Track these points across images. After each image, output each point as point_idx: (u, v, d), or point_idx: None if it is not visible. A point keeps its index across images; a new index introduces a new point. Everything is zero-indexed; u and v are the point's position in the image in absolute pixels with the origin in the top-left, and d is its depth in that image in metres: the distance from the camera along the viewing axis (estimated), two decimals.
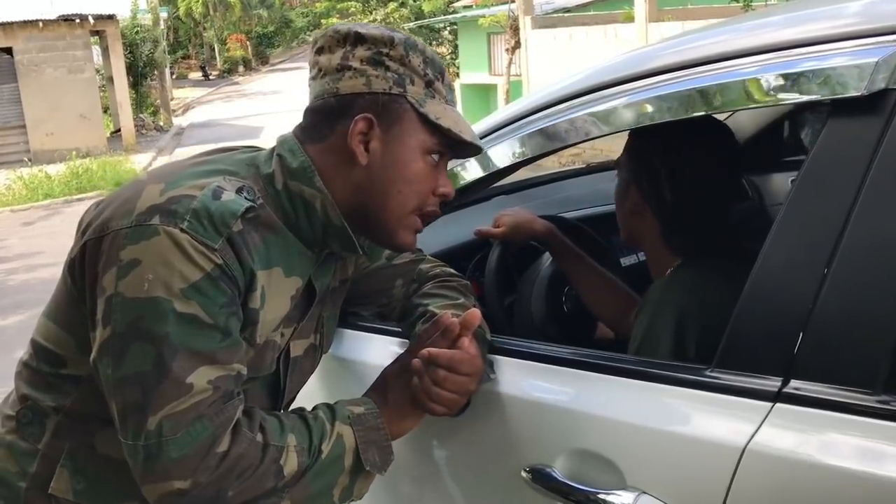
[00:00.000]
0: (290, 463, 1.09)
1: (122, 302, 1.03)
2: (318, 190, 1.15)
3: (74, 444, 1.16)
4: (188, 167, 1.15)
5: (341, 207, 1.16)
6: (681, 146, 1.41)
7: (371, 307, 1.47)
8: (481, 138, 1.44)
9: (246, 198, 1.10)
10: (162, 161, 15.27)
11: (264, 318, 1.14)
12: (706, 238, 1.42)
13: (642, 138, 1.46)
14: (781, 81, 1.07)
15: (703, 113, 1.17)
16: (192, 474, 1.02)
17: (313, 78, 1.18)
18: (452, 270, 1.48)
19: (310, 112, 1.19)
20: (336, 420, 1.15)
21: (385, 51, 1.13)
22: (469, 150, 1.22)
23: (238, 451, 1.05)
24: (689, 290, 1.37)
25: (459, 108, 1.26)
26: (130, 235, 1.04)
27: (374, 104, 1.13)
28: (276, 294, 1.16)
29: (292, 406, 1.33)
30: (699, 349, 1.25)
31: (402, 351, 1.37)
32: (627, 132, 1.49)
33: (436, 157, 1.18)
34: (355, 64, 1.13)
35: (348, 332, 1.54)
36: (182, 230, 1.03)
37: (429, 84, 1.16)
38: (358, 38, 1.14)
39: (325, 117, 1.16)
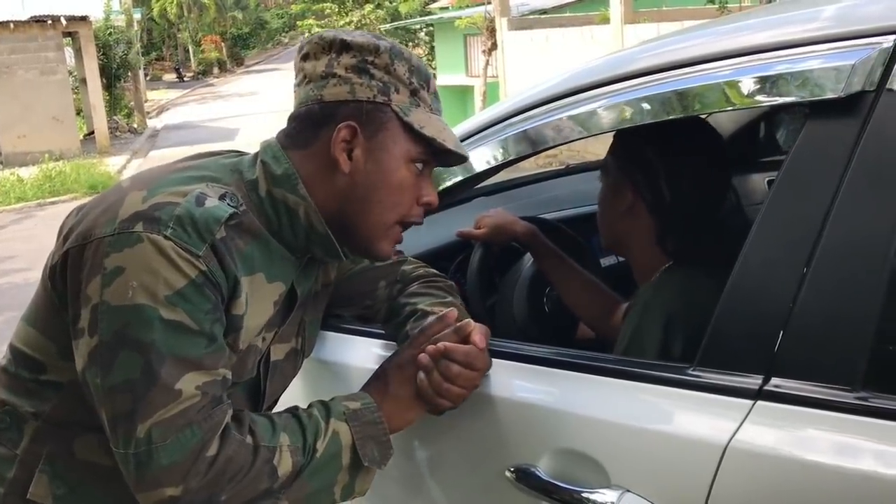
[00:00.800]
0: (285, 463, 1.09)
1: (107, 310, 1.02)
2: (302, 197, 1.15)
3: (53, 449, 1.15)
4: (170, 173, 1.14)
5: (324, 214, 1.16)
6: (678, 146, 1.41)
7: (354, 309, 1.47)
8: (463, 141, 1.44)
9: (229, 204, 1.10)
10: (136, 163, 15.17)
11: (247, 325, 1.14)
12: (699, 240, 1.41)
13: (637, 138, 1.44)
14: (760, 84, 1.08)
15: (683, 115, 1.19)
16: (183, 480, 1.02)
17: (298, 84, 1.18)
18: (435, 271, 1.49)
19: (294, 119, 1.19)
20: (331, 417, 1.15)
21: (370, 59, 1.14)
22: (453, 158, 1.22)
23: (227, 454, 1.04)
24: (679, 291, 1.37)
25: None
26: (114, 243, 1.03)
27: (358, 112, 1.13)
28: (258, 299, 1.16)
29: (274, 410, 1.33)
30: (688, 350, 1.26)
31: (384, 353, 1.37)
32: (617, 132, 1.49)
33: (420, 165, 1.18)
34: (340, 71, 1.13)
35: (331, 334, 1.54)
36: (166, 237, 1.02)
37: (414, 93, 1.16)
38: (343, 46, 1.14)
39: (308, 124, 1.16)
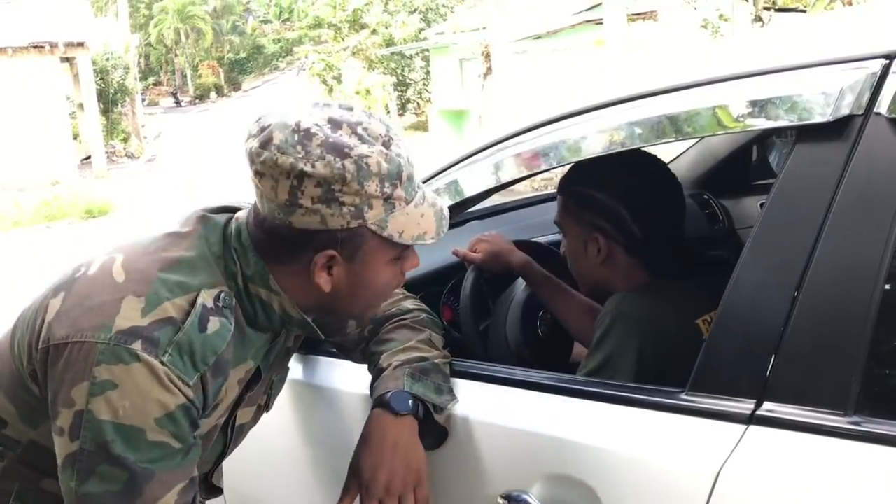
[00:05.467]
0: None
1: (92, 421, 1.02)
2: (275, 293, 1.14)
3: (22, 485, 1.17)
4: (163, 268, 1.09)
5: (302, 305, 1.16)
6: (627, 178, 1.45)
7: (326, 338, 1.46)
8: (458, 163, 1.44)
9: (223, 306, 1.10)
10: (134, 186, 15.18)
11: (215, 411, 1.16)
12: (678, 256, 1.45)
13: (589, 191, 1.48)
14: (751, 108, 1.08)
15: (672, 139, 1.19)
16: None
17: (255, 186, 1.10)
18: (409, 305, 1.46)
19: (260, 225, 1.12)
20: None
21: (337, 188, 1.04)
22: None
23: None
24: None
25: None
26: (108, 354, 1.02)
27: (334, 240, 1.09)
28: (227, 384, 1.16)
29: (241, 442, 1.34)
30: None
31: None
32: (566, 187, 1.52)
33: (401, 257, 1.17)
34: (306, 203, 1.04)
35: (322, 359, 1.53)
36: (162, 363, 1.02)
37: (388, 199, 1.07)
38: (303, 176, 1.03)
39: (280, 242, 1.11)
